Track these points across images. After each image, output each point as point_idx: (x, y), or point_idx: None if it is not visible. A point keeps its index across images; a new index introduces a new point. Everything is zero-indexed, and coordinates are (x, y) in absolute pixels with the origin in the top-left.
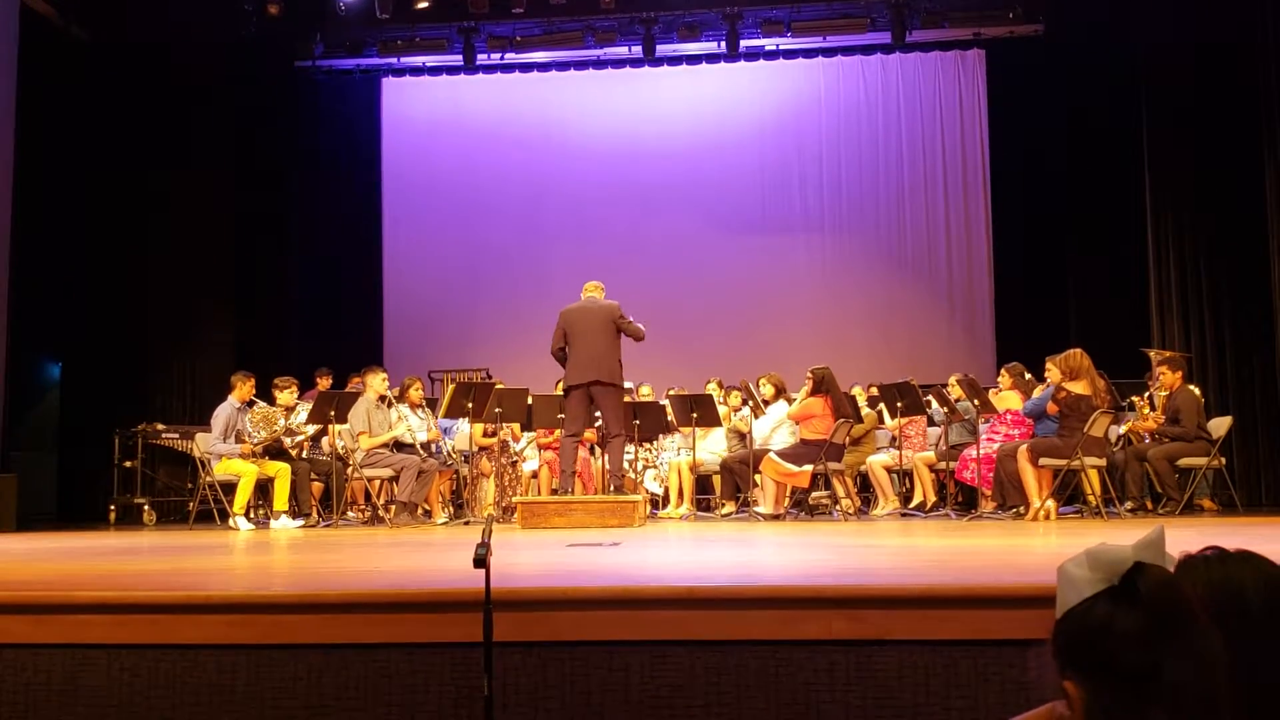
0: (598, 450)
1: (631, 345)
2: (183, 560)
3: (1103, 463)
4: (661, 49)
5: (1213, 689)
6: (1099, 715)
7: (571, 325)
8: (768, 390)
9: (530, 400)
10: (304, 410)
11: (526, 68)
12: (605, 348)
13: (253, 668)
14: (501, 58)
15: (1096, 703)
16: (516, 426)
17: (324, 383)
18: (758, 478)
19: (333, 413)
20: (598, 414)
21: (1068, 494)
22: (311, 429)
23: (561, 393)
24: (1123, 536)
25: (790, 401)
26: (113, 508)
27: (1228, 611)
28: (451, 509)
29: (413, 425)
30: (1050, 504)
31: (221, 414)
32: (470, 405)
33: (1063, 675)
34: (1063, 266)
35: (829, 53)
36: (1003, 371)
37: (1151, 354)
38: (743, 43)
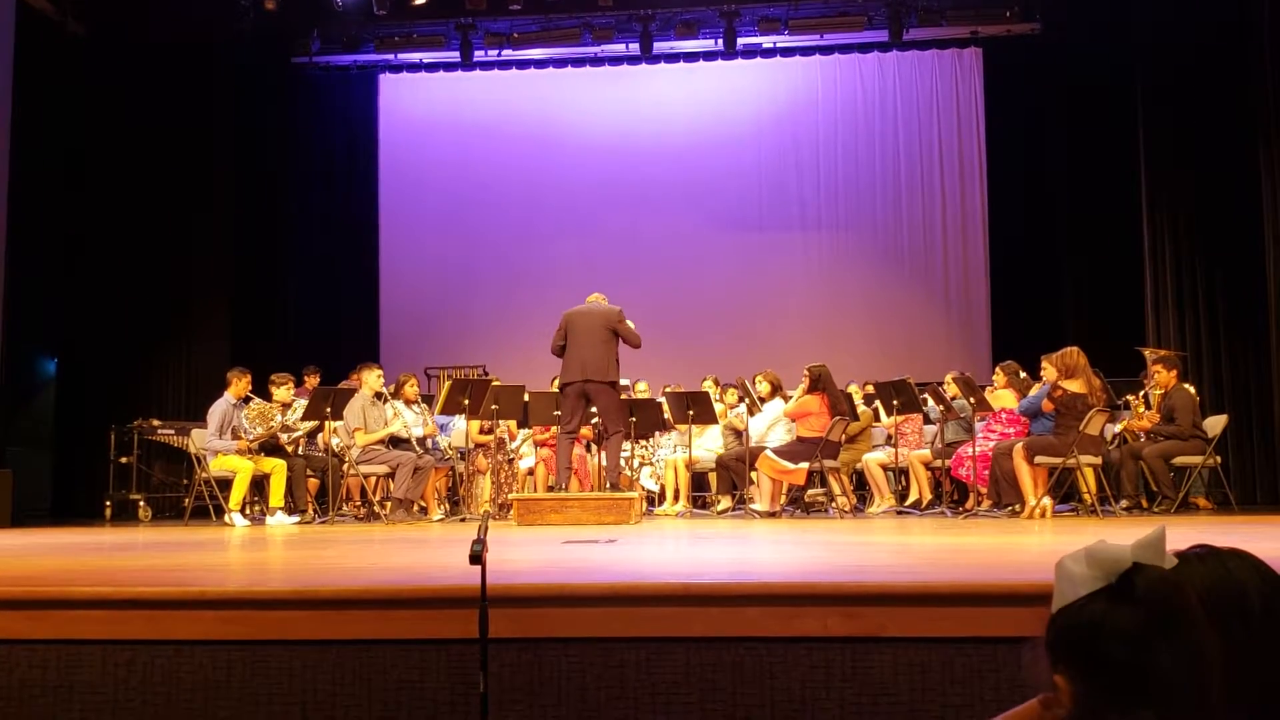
0: (594, 447)
1: None
2: (178, 556)
3: (1098, 461)
4: (659, 46)
5: (1205, 692)
6: (1088, 711)
7: (572, 325)
8: (764, 388)
9: (527, 397)
10: (300, 406)
11: (524, 64)
12: (600, 348)
13: (248, 664)
14: (499, 54)
15: (1086, 698)
16: (513, 423)
17: (311, 381)
18: (754, 475)
19: (328, 409)
20: (594, 410)
21: (1063, 492)
22: (307, 425)
23: (557, 390)
24: (1118, 535)
25: (786, 399)
26: (108, 504)
27: (1228, 611)
28: (447, 506)
29: (408, 421)
30: (1046, 502)
31: (217, 410)
32: (466, 402)
33: (1054, 669)
34: (1058, 265)
35: (826, 51)
36: (998, 370)
37: (1147, 353)
38: (740, 40)
